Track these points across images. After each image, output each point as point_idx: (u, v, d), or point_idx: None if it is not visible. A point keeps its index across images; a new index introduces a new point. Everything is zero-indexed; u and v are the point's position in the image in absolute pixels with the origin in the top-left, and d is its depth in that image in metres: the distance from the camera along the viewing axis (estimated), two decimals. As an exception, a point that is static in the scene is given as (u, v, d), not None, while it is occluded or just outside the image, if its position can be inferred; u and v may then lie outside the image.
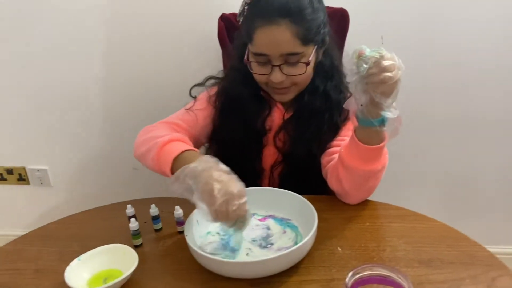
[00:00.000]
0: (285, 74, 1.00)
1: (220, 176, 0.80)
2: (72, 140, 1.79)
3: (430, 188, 1.70)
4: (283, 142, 1.12)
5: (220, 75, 1.20)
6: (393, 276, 0.65)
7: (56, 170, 1.87)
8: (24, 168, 1.88)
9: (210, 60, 1.46)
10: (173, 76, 1.60)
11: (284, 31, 0.95)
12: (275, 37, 0.96)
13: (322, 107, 1.08)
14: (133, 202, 0.99)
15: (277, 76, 1.00)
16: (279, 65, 0.99)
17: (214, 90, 1.16)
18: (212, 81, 1.19)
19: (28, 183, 1.91)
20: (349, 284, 0.63)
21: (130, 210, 0.95)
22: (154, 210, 0.95)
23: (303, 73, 1.01)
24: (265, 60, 1.00)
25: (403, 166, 1.60)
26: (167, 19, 1.50)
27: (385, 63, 0.78)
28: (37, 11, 1.53)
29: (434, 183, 1.70)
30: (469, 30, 1.45)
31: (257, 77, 1.06)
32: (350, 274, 0.64)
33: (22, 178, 1.90)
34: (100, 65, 1.63)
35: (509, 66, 1.48)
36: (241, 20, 1.04)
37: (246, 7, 1.01)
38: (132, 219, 0.90)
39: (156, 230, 0.97)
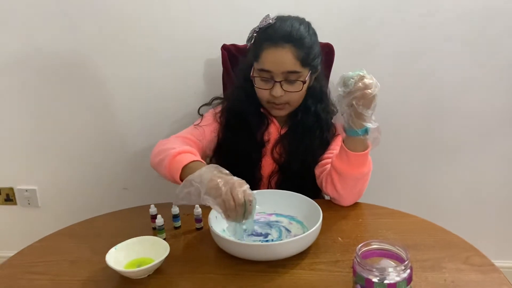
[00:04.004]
0: (284, 90, 1.18)
1: (221, 174, 0.95)
2: (62, 160, 1.82)
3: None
4: (279, 154, 1.28)
5: (223, 96, 1.38)
6: (393, 249, 0.80)
7: (45, 190, 1.89)
8: (12, 189, 1.90)
9: (209, 81, 1.64)
10: (167, 99, 1.69)
11: (287, 53, 1.14)
12: (280, 57, 1.15)
13: (314, 125, 1.26)
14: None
15: (277, 91, 1.17)
16: (280, 81, 1.17)
17: (219, 108, 1.32)
18: (217, 101, 1.35)
19: (15, 203, 1.92)
20: (359, 252, 0.78)
21: (153, 209, 1.07)
22: (175, 209, 1.07)
23: (300, 90, 1.19)
24: (268, 76, 1.18)
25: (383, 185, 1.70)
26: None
27: (367, 80, 0.99)
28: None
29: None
30: (444, 60, 1.59)
31: (259, 93, 1.22)
32: (360, 245, 0.79)
33: (9, 198, 1.91)
34: (93, 88, 1.70)
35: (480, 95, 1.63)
36: (249, 44, 1.23)
37: (255, 34, 1.20)
38: (158, 216, 1.02)
39: (176, 228, 1.08)
